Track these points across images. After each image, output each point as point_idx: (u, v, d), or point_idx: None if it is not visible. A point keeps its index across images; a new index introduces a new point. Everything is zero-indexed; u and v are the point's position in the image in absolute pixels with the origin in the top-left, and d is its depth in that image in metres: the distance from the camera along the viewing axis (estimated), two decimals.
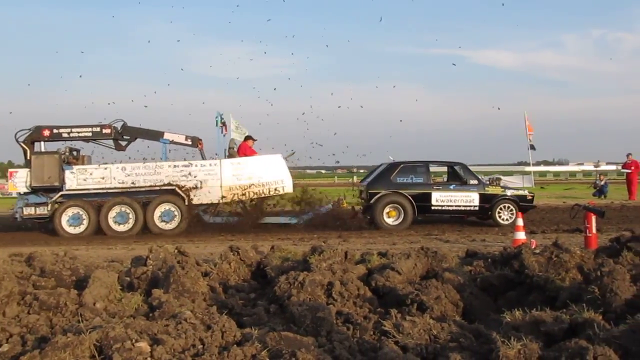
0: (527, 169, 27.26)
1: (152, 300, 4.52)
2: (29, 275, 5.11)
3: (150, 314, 4.29)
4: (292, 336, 3.40)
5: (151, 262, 5.52)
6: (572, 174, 71.42)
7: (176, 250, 5.95)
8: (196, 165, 14.07)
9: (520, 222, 10.17)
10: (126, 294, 4.80)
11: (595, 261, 4.99)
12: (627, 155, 23.66)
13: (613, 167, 61.29)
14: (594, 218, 8.20)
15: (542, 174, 68.58)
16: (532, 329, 3.53)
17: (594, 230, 8.20)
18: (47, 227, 14.68)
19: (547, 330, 3.48)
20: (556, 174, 72.96)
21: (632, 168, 22.84)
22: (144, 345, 3.23)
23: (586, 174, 58.62)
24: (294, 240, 12.14)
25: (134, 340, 3.25)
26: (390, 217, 13.98)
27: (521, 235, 9.66)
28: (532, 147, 20.83)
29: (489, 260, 5.58)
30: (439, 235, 12.59)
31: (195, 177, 13.91)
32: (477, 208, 14.17)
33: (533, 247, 5.45)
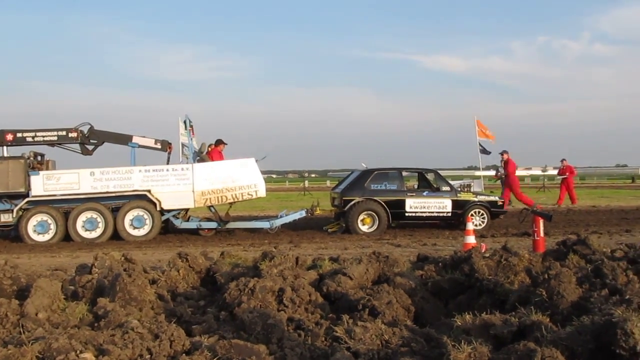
0: (477, 173, 27.66)
1: (97, 310, 4.41)
2: None
3: (96, 324, 4.18)
4: (242, 344, 3.35)
5: (96, 270, 5.39)
6: (521, 178, 73.14)
7: (122, 258, 5.83)
8: (168, 170, 13.74)
9: (470, 226, 10.32)
10: (70, 304, 4.67)
11: (543, 264, 5.10)
12: (562, 161, 23.76)
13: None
14: (541, 222, 8.38)
15: (492, 178, 69.94)
16: (482, 332, 3.57)
17: (541, 234, 8.38)
18: (8, 235, 14.10)
19: (497, 333, 3.52)
20: None
21: (567, 173, 23.15)
22: (88, 356, 3.16)
23: (534, 178, 60.06)
24: (244, 246, 12.03)
25: (78, 352, 3.17)
26: (365, 224, 13.94)
27: (471, 239, 9.79)
28: (485, 151, 21.18)
29: (440, 264, 5.63)
30: (390, 240, 12.67)
31: (166, 181, 13.59)
32: (450, 214, 14.26)
33: (483, 251, 5.52)
